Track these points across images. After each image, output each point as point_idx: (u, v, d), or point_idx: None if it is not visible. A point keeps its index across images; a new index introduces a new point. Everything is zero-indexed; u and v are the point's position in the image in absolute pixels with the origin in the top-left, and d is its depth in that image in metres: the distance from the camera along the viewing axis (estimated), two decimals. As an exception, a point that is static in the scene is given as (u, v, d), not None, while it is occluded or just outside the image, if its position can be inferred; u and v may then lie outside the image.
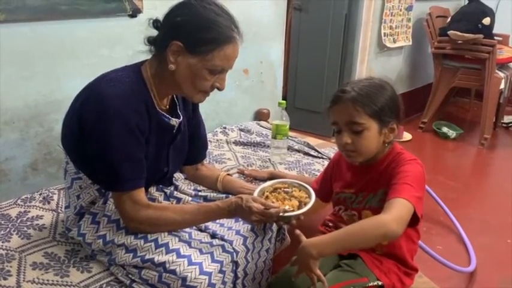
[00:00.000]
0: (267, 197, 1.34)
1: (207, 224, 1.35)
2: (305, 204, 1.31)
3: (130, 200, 1.19)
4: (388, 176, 1.22)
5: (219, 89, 1.26)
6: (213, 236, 1.31)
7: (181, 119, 1.35)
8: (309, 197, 1.33)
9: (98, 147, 1.17)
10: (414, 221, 1.14)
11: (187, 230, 1.31)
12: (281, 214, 1.25)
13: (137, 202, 1.20)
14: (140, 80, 1.23)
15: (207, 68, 1.19)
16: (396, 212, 1.08)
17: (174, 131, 1.34)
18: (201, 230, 1.33)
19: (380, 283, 1.23)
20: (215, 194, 1.48)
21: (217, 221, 1.38)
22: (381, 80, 1.27)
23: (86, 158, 1.22)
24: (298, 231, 1.18)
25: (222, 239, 1.29)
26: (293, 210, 1.28)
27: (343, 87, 1.24)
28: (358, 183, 1.30)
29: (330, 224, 1.42)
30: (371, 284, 1.23)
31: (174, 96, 1.36)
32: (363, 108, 1.19)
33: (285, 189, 1.38)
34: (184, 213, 1.25)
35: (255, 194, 1.33)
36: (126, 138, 1.16)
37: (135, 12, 1.84)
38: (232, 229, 1.35)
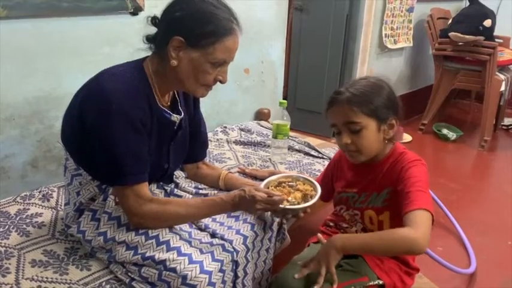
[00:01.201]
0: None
1: (206, 223, 1.34)
2: (311, 197, 1.31)
3: (134, 194, 1.18)
4: (394, 176, 1.22)
5: (222, 82, 1.26)
6: (213, 235, 1.31)
7: (182, 115, 1.35)
8: (314, 190, 1.33)
9: (100, 142, 1.16)
10: None
11: (187, 229, 1.30)
12: (289, 207, 1.26)
13: (140, 196, 1.19)
14: (142, 75, 1.23)
15: (209, 61, 1.19)
16: (423, 228, 1.09)
17: (175, 127, 1.34)
18: (200, 229, 1.33)
19: (381, 282, 1.23)
20: (216, 192, 1.48)
21: (217, 219, 1.38)
22: (377, 79, 1.28)
23: (87, 153, 1.21)
24: (319, 235, 1.19)
25: (222, 238, 1.29)
26: (299, 203, 1.29)
27: (338, 89, 1.26)
28: (361, 183, 1.30)
29: (331, 224, 1.41)
30: (372, 283, 1.22)
31: (175, 93, 1.35)
32: (359, 107, 1.20)
33: (290, 183, 1.38)
34: (188, 207, 1.25)
35: (261, 186, 1.33)
36: (129, 133, 1.16)
37: (136, 10, 1.83)
38: (232, 228, 1.34)
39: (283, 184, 1.39)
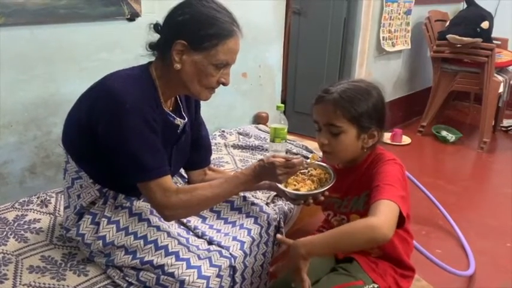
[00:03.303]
0: (287, 182, 1.33)
1: (203, 230, 1.35)
2: (326, 180, 1.31)
3: (160, 188, 1.18)
4: (370, 177, 1.21)
5: (224, 84, 1.26)
6: (210, 242, 1.31)
7: (185, 120, 1.35)
8: (327, 172, 1.33)
9: (117, 143, 1.15)
10: (400, 221, 1.12)
11: (185, 235, 1.31)
12: (310, 192, 1.27)
13: (167, 189, 1.19)
14: (148, 79, 1.23)
15: (212, 64, 1.20)
16: (384, 215, 1.07)
17: (179, 131, 1.34)
18: (198, 236, 1.34)
19: (376, 286, 1.23)
20: None
21: (214, 227, 1.39)
22: (369, 85, 1.26)
23: (97, 156, 1.22)
24: (279, 236, 1.17)
25: (219, 245, 1.30)
26: (315, 187, 1.29)
27: (328, 87, 1.25)
28: (343, 187, 1.30)
29: (324, 230, 1.41)
30: (366, 287, 1.22)
31: (178, 98, 1.36)
32: (342, 111, 1.19)
33: (302, 171, 1.36)
34: (213, 188, 1.24)
35: None
36: (145, 130, 1.16)
37: (133, 16, 1.84)
38: (229, 235, 1.35)
39: (297, 172, 1.37)
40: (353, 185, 1.28)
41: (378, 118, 1.23)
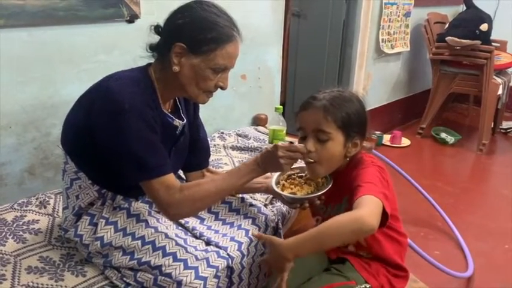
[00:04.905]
0: (283, 185, 1.34)
1: (201, 231, 1.35)
2: (322, 184, 1.31)
3: (163, 186, 1.17)
4: (350, 182, 1.21)
5: (222, 88, 1.27)
6: (208, 243, 1.32)
7: (184, 121, 1.36)
8: (324, 177, 1.32)
9: (117, 143, 1.15)
10: (383, 219, 1.11)
11: (183, 235, 1.31)
12: (306, 196, 1.26)
13: (170, 187, 1.18)
14: (147, 80, 1.24)
15: (210, 67, 1.20)
16: (368, 207, 1.07)
17: (178, 132, 1.34)
18: (196, 237, 1.34)
19: (368, 286, 1.23)
20: None
21: (212, 227, 1.39)
22: (352, 94, 1.27)
23: (96, 157, 1.22)
24: (255, 232, 1.17)
25: (217, 245, 1.30)
26: (312, 191, 1.28)
27: (315, 94, 1.25)
28: (326, 193, 1.29)
29: None
30: (359, 287, 1.22)
31: (177, 99, 1.36)
32: (333, 118, 1.19)
33: (299, 174, 1.37)
34: (215, 181, 1.24)
35: (272, 183, 1.34)
36: (144, 130, 1.16)
37: (132, 18, 1.85)
38: (227, 235, 1.35)
39: (293, 176, 1.37)
40: (336, 191, 1.27)
41: (361, 126, 1.24)
